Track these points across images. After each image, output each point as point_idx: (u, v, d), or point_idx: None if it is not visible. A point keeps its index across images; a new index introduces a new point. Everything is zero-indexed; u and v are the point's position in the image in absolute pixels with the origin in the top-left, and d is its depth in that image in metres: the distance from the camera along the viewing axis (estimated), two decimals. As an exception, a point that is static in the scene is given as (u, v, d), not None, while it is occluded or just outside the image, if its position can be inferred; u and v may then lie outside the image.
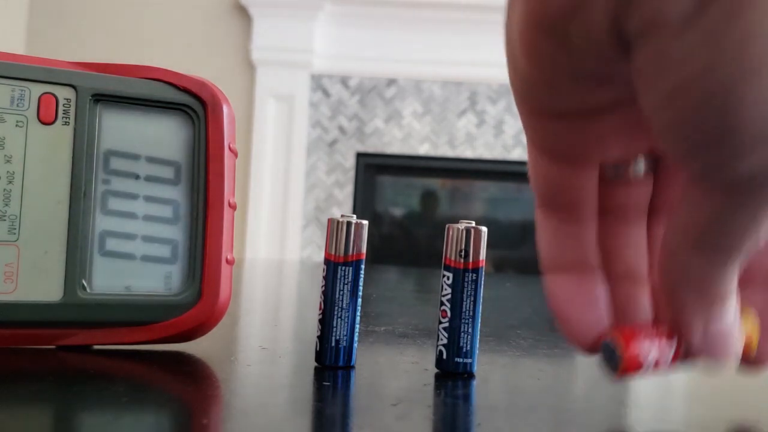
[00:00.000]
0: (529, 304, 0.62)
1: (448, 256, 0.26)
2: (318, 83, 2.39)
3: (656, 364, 0.20)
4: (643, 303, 0.21)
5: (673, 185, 0.20)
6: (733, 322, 0.19)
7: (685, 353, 0.20)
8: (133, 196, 0.28)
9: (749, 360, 0.21)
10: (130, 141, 0.28)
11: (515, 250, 2.45)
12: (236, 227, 2.28)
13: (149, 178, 0.28)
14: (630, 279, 0.21)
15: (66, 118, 0.27)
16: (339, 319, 0.26)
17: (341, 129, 2.39)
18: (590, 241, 0.20)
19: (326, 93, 2.39)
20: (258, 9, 2.36)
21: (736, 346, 0.19)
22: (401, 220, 2.52)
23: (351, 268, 0.26)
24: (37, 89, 0.26)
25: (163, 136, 0.28)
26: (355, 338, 0.26)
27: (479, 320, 0.26)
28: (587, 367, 0.32)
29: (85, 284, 0.27)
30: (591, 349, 0.20)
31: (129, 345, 0.28)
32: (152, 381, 0.24)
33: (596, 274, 0.20)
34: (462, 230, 0.26)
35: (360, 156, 2.40)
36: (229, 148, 0.29)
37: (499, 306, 0.54)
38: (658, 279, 0.19)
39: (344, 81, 2.39)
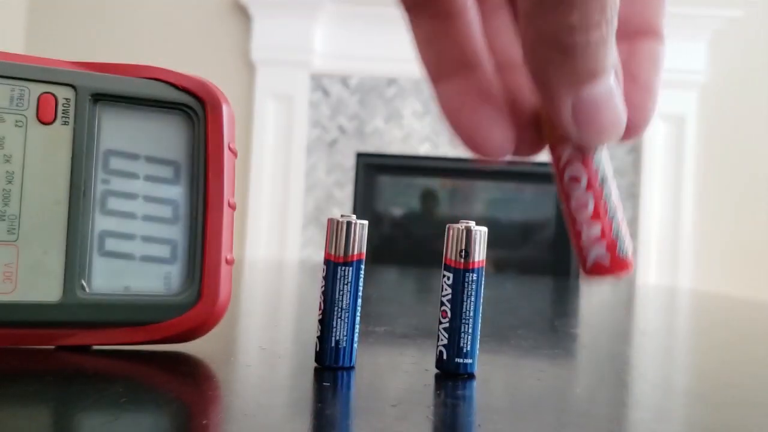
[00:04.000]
0: (529, 304, 0.62)
1: (448, 256, 0.26)
2: (318, 83, 2.39)
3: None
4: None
5: None
6: (611, 92, 0.17)
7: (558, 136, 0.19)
8: (133, 196, 0.28)
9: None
10: (129, 141, 0.28)
11: (515, 250, 2.45)
12: (236, 227, 2.28)
13: (149, 178, 0.28)
14: (513, 67, 0.19)
15: (65, 117, 0.27)
16: (339, 320, 0.26)
17: (341, 129, 2.39)
18: (467, 37, 0.19)
19: (326, 93, 2.39)
20: (258, 9, 2.36)
21: (618, 119, 0.18)
22: (401, 220, 2.52)
23: (351, 268, 0.26)
24: (37, 89, 0.26)
25: (162, 136, 0.28)
26: (355, 339, 0.26)
27: (479, 320, 0.26)
28: (588, 367, 0.32)
29: (85, 284, 0.27)
30: (492, 153, 0.19)
31: (129, 345, 0.27)
32: (152, 381, 0.24)
33: (481, 71, 0.19)
34: (462, 230, 0.26)
35: (360, 156, 2.40)
36: (229, 148, 0.29)
37: (499, 306, 0.54)
38: (523, 55, 0.17)
39: (344, 81, 2.39)
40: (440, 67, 0.19)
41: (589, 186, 0.19)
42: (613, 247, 0.19)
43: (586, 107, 0.17)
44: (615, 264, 0.19)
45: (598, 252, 0.20)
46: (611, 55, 0.17)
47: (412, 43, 0.20)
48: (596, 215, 0.19)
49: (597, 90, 0.17)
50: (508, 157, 0.20)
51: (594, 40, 0.16)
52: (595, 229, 0.19)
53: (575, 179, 0.19)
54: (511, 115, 0.19)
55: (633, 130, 0.19)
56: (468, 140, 0.19)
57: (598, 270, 0.20)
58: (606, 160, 0.20)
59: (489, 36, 0.20)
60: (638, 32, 0.19)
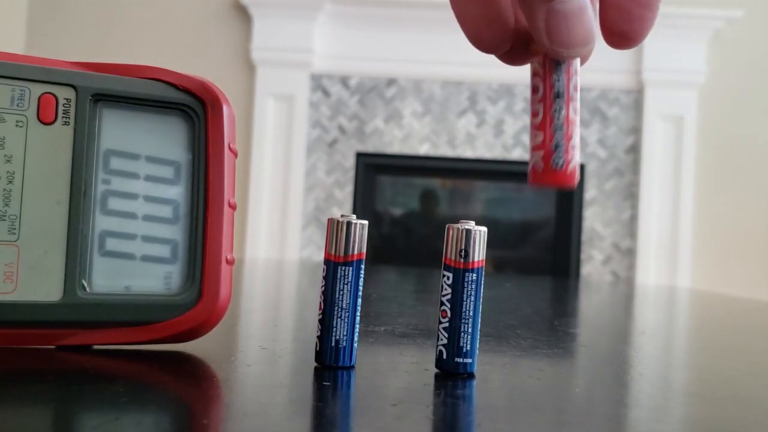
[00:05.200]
0: (529, 304, 0.62)
1: (448, 256, 0.26)
2: (318, 83, 2.39)
3: None
4: None
5: None
6: (582, 3, 0.19)
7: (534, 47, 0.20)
8: (133, 196, 0.28)
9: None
10: (130, 141, 0.28)
11: (515, 250, 2.45)
12: (236, 227, 2.28)
13: (149, 178, 0.28)
14: None
15: (66, 118, 0.27)
16: (339, 319, 0.26)
17: (341, 129, 2.39)
18: None
19: (326, 93, 2.39)
20: (258, 9, 2.36)
21: (590, 30, 0.19)
22: (401, 220, 2.52)
23: (351, 268, 0.26)
24: (37, 89, 0.26)
25: (163, 136, 0.28)
26: (355, 338, 0.26)
27: (479, 320, 0.26)
28: (587, 367, 0.32)
29: (85, 284, 0.27)
30: (489, 46, 0.21)
31: (129, 345, 0.28)
32: (153, 381, 0.24)
33: None
34: (462, 230, 0.26)
35: (360, 156, 2.40)
36: (229, 148, 0.29)
37: (499, 306, 0.54)
38: None
39: (344, 81, 2.39)
40: None
41: (543, 98, 0.21)
42: (548, 156, 0.21)
43: (558, 19, 0.19)
44: (547, 172, 0.21)
45: (536, 159, 0.21)
46: None
47: None
48: (542, 125, 0.21)
49: (569, 4, 0.19)
50: (502, 58, 0.22)
51: None
52: (538, 138, 0.21)
53: (534, 89, 0.21)
54: (508, 20, 0.21)
55: (630, 40, 0.21)
56: (470, 32, 0.21)
57: (532, 176, 0.21)
58: (569, 80, 0.21)
59: None
60: None
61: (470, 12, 0.21)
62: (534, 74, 0.21)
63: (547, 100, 0.21)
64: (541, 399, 0.24)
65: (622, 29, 0.21)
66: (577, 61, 0.21)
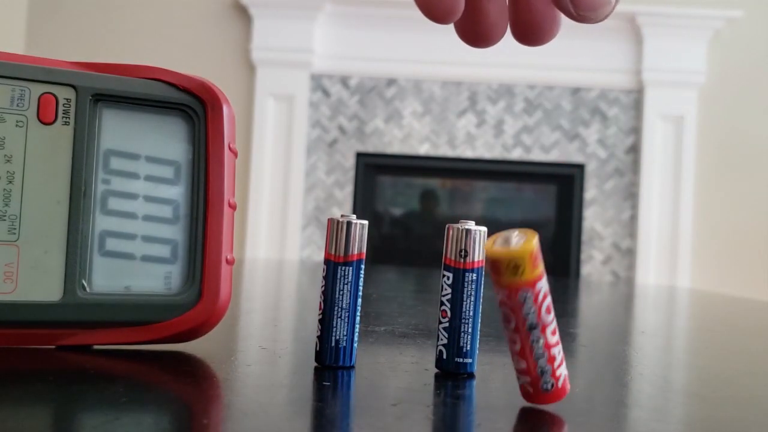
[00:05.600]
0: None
1: (448, 256, 0.26)
2: (318, 83, 2.39)
3: None
4: None
5: None
6: None
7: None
8: (133, 196, 0.28)
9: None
10: (130, 141, 0.28)
11: (515, 250, 2.45)
12: (236, 227, 2.28)
13: (149, 178, 0.28)
14: None
15: (66, 117, 0.27)
16: (339, 319, 0.26)
17: (341, 129, 2.39)
18: None
19: (326, 93, 2.39)
20: (258, 9, 2.36)
21: None
22: (401, 220, 2.52)
23: (351, 268, 0.26)
24: (37, 89, 0.26)
25: (163, 136, 0.28)
26: (355, 338, 0.26)
27: (479, 320, 0.26)
28: (587, 367, 0.32)
29: (85, 284, 0.27)
30: (446, 17, 0.21)
31: (129, 345, 0.27)
32: (152, 381, 0.24)
33: None
34: (462, 230, 0.26)
35: (360, 156, 2.40)
36: (229, 148, 0.29)
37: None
38: None
39: (344, 81, 2.39)
40: None
41: (517, 329, 0.21)
42: (536, 382, 0.21)
43: None
44: (537, 396, 0.21)
45: (524, 381, 0.22)
46: None
47: None
48: (522, 353, 0.21)
49: None
50: (463, 36, 0.23)
51: None
52: (522, 364, 0.21)
53: (506, 318, 0.21)
54: None
55: (536, 37, 0.22)
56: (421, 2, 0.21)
57: (525, 396, 0.22)
58: (540, 308, 0.21)
59: None
60: None
61: None
62: (501, 304, 0.21)
63: (522, 333, 0.21)
64: (541, 399, 0.24)
65: (527, 21, 0.22)
66: (544, 281, 0.21)
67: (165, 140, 0.28)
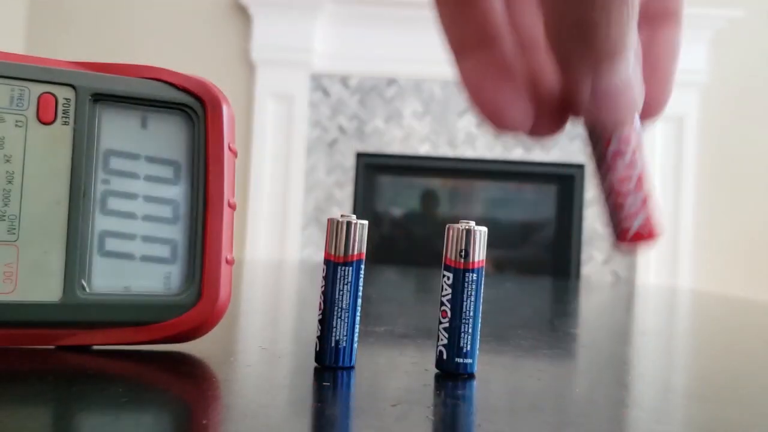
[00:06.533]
0: (529, 304, 0.62)
1: (448, 256, 0.26)
2: (318, 83, 2.39)
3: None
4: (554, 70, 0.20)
5: None
6: (629, 76, 0.18)
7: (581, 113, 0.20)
8: (133, 196, 0.28)
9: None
10: (129, 141, 0.28)
11: (515, 250, 2.45)
12: (236, 227, 2.28)
13: (149, 178, 0.28)
14: (535, 47, 0.20)
15: (65, 117, 0.27)
16: (339, 320, 0.26)
17: (341, 129, 2.39)
18: (489, 13, 0.20)
19: (326, 93, 2.39)
20: (258, 9, 2.36)
21: (634, 103, 0.19)
22: (401, 220, 2.52)
23: (351, 268, 0.26)
24: (37, 89, 0.26)
25: (162, 136, 0.28)
26: (355, 338, 0.26)
27: (479, 320, 0.26)
28: (587, 367, 0.32)
29: (85, 284, 0.27)
30: (511, 127, 0.20)
31: (129, 345, 0.27)
32: (152, 381, 0.24)
33: (503, 47, 0.20)
34: (462, 230, 0.26)
35: (360, 156, 2.40)
36: (229, 148, 0.29)
37: (499, 306, 0.54)
38: (545, 34, 0.18)
39: (344, 81, 2.39)
40: (463, 41, 0.20)
41: (633, 160, 0.20)
42: (652, 214, 0.21)
43: (605, 88, 0.18)
44: (655, 229, 0.21)
45: (640, 219, 0.21)
46: (632, 35, 0.17)
47: (436, 19, 0.20)
48: (639, 186, 0.21)
49: (616, 70, 0.18)
50: (527, 134, 0.21)
51: (615, 20, 0.16)
52: (639, 199, 0.21)
53: (620, 153, 0.20)
54: (532, 93, 0.20)
55: (648, 116, 0.20)
56: (488, 114, 0.20)
57: (640, 236, 0.21)
58: (642, 135, 0.21)
59: (512, 15, 0.20)
60: (658, 16, 0.20)
61: (486, 95, 0.19)
62: (611, 138, 0.20)
63: (637, 163, 0.20)
64: (541, 399, 0.24)
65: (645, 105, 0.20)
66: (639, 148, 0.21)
67: (165, 140, 0.28)
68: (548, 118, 0.20)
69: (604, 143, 0.21)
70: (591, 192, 2.34)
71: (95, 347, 0.27)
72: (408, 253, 2.46)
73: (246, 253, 2.31)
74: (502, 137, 0.22)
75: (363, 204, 2.41)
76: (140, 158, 0.28)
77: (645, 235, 0.21)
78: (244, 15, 2.40)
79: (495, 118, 0.20)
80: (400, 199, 2.55)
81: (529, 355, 0.32)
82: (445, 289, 0.26)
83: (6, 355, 0.25)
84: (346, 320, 0.26)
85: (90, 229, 0.27)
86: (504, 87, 0.19)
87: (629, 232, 0.21)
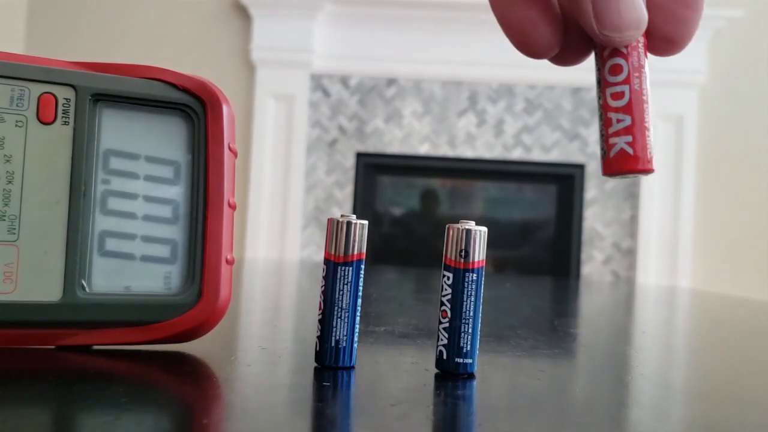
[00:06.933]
0: (529, 304, 0.62)
1: (448, 256, 0.26)
2: (318, 83, 2.39)
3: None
4: None
5: None
6: None
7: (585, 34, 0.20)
8: (133, 196, 0.28)
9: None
10: (129, 141, 0.28)
11: (515, 250, 2.45)
12: (236, 227, 2.28)
13: (149, 178, 0.28)
14: None
15: (65, 117, 0.27)
16: (339, 319, 0.26)
17: (341, 129, 2.39)
18: None
19: (326, 93, 2.39)
20: (258, 9, 2.36)
21: (635, 22, 0.19)
22: (401, 220, 2.52)
23: (351, 268, 0.26)
24: (37, 89, 0.26)
25: (162, 135, 0.28)
26: (355, 338, 0.26)
27: (479, 320, 0.26)
28: (587, 367, 0.32)
29: (85, 284, 0.27)
30: (539, 51, 0.20)
31: (129, 345, 0.27)
32: (152, 381, 0.24)
33: None
34: (462, 230, 0.26)
35: (360, 156, 2.40)
36: (229, 147, 0.29)
37: (499, 306, 0.54)
38: None
39: (344, 81, 2.39)
40: None
41: (628, 78, 0.20)
42: (641, 138, 0.20)
43: (606, 3, 0.18)
44: (638, 156, 0.20)
45: (624, 141, 0.20)
46: None
47: None
48: (629, 107, 0.20)
49: None
50: (552, 60, 0.21)
51: None
52: (626, 120, 0.20)
53: (617, 69, 0.20)
54: (557, 18, 0.20)
55: (674, 45, 0.20)
56: (515, 37, 0.20)
57: (621, 159, 0.20)
58: (646, 62, 0.21)
59: None
60: None
61: (515, 14, 0.20)
62: (611, 54, 0.20)
63: (632, 82, 0.20)
64: (541, 399, 0.24)
65: (666, 32, 0.20)
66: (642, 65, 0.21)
67: (165, 140, 0.28)
68: (573, 45, 0.21)
69: (602, 56, 0.21)
70: (591, 192, 2.34)
71: (95, 347, 0.27)
72: (408, 253, 2.46)
73: (246, 253, 2.31)
74: (529, 57, 0.22)
75: (363, 204, 2.41)
76: (140, 158, 0.28)
77: (627, 160, 0.20)
78: (244, 15, 2.40)
79: (521, 40, 0.20)
80: (400, 199, 2.55)
81: (529, 355, 0.32)
82: (445, 289, 0.26)
83: (6, 355, 0.25)
84: (346, 320, 0.26)
85: (90, 229, 0.27)
86: (530, 10, 0.20)
87: (611, 151, 0.21)
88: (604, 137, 0.21)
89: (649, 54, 0.21)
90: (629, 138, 0.20)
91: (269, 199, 2.36)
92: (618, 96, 0.20)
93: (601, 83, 0.21)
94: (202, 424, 0.19)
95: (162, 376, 0.25)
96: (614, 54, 0.20)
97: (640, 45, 0.21)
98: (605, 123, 0.21)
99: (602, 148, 0.21)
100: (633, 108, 0.20)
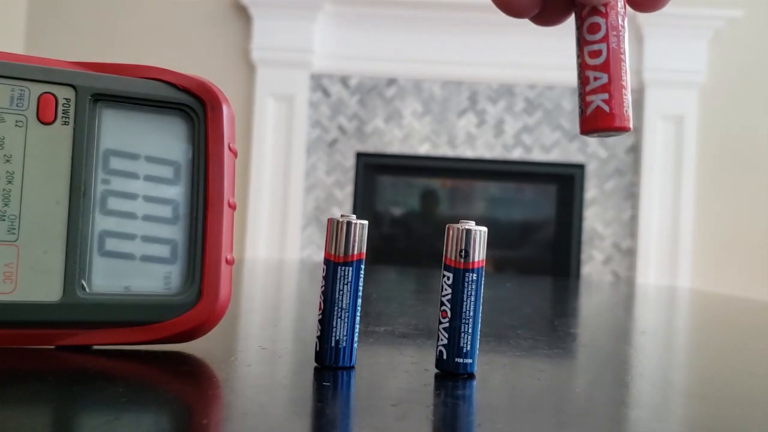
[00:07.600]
0: (529, 304, 0.62)
1: (448, 256, 0.26)
2: (318, 83, 2.39)
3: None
4: None
5: None
6: None
7: None
8: (133, 196, 0.28)
9: None
10: (129, 141, 0.28)
11: (515, 250, 2.45)
12: (236, 227, 2.28)
13: (149, 178, 0.28)
14: None
15: (65, 117, 0.27)
16: (339, 319, 0.26)
17: (341, 129, 2.39)
18: None
19: (326, 93, 2.39)
20: (258, 9, 2.36)
21: None
22: (401, 220, 2.52)
23: (351, 268, 0.26)
24: (37, 89, 0.26)
25: (162, 135, 0.28)
26: (355, 338, 0.26)
27: (479, 320, 0.26)
28: (587, 367, 0.32)
29: (85, 284, 0.27)
30: (519, 10, 0.21)
31: (129, 345, 0.27)
32: (152, 381, 0.24)
33: None
34: (462, 230, 0.26)
35: (360, 156, 2.40)
36: (229, 147, 0.29)
37: (499, 306, 0.54)
38: None
39: (344, 81, 2.39)
40: None
41: (606, 37, 0.21)
42: (618, 96, 0.20)
43: None
44: (614, 114, 0.20)
45: (601, 99, 0.21)
46: None
47: None
48: (606, 65, 0.21)
49: None
50: (534, 20, 0.21)
51: None
52: (603, 78, 0.21)
53: (595, 28, 0.21)
54: None
55: (655, 2, 0.21)
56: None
57: (597, 117, 0.21)
58: (624, 22, 0.21)
59: None
60: None
61: None
62: (590, 12, 0.21)
63: (610, 41, 0.21)
64: (541, 399, 0.24)
65: None
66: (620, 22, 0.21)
67: (165, 140, 0.28)
68: (554, 4, 0.21)
69: (582, 15, 0.21)
70: (591, 192, 2.34)
71: (95, 347, 0.27)
72: (408, 253, 2.46)
73: (246, 253, 2.31)
74: (511, 18, 0.22)
75: (363, 204, 2.41)
76: (140, 158, 0.28)
77: (604, 118, 0.20)
78: (244, 15, 2.40)
79: (503, 0, 0.20)
80: (400, 199, 2.55)
81: (529, 355, 0.32)
82: (445, 289, 0.26)
83: (6, 355, 0.25)
84: (346, 320, 0.26)
85: (90, 229, 0.27)
86: None
87: (588, 109, 0.21)
88: (582, 96, 0.21)
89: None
90: (605, 95, 0.21)
91: (269, 199, 2.36)
92: (595, 54, 0.21)
93: (580, 42, 0.21)
94: (202, 425, 0.19)
95: (162, 376, 0.25)
96: (593, 13, 0.21)
97: (620, 5, 0.21)
98: (583, 81, 0.21)
99: (580, 107, 0.21)
100: (610, 66, 0.21)
